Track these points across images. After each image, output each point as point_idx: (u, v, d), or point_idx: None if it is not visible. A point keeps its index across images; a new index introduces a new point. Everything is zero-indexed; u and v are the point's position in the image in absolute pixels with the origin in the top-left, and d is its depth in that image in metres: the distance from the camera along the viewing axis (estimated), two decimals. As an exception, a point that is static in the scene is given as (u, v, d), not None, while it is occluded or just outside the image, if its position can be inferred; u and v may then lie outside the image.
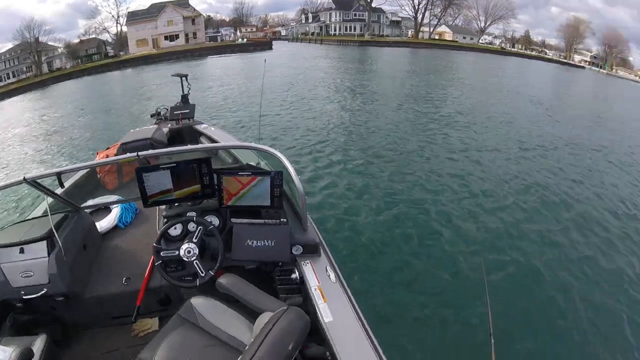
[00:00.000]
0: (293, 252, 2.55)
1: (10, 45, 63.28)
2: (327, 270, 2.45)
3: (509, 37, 75.75)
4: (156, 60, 50.85)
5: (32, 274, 2.54)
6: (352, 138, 10.46)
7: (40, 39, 63.97)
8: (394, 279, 4.76)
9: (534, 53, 68.97)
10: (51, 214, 2.66)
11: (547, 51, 71.42)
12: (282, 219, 2.65)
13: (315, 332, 2.06)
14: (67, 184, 3.77)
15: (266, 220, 2.64)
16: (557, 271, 5.30)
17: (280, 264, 2.56)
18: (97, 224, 3.35)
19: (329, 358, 1.90)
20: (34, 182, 2.44)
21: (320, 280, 2.37)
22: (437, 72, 28.39)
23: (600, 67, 61.56)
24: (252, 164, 3.49)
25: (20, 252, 2.56)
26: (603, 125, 15.15)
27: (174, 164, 2.49)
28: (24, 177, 2.35)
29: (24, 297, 2.54)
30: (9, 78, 60.23)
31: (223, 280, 2.12)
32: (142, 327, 2.86)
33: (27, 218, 3.23)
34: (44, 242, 2.57)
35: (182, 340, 2.11)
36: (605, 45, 65.23)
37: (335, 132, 10.96)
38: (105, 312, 2.89)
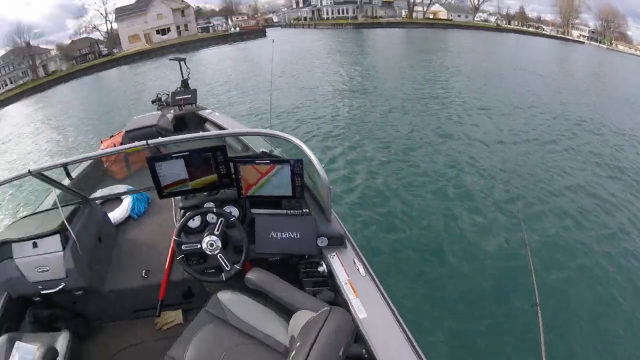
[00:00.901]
0: (318, 244, 2.42)
1: (1, 53, 63.39)
2: (355, 263, 2.32)
3: (504, 13, 75.23)
4: (151, 55, 50.74)
5: (47, 268, 2.44)
6: (366, 126, 10.04)
7: (31, 43, 64.26)
8: (425, 268, 4.57)
9: (531, 29, 68.35)
10: (61, 207, 2.54)
11: (544, 27, 70.79)
12: (304, 210, 2.54)
13: None
14: (73, 175, 3.61)
15: (288, 211, 2.53)
16: (604, 242, 5.16)
17: (306, 256, 2.45)
18: (109, 214, 3.21)
19: (366, 356, 1.78)
20: (39, 175, 2.34)
21: (349, 273, 2.25)
22: (438, 52, 27.70)
23: (600, 42, 61.10)
24: (265, 151, 3.39)
25: (34, 247, 2.46)
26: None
27: (187, 153, 2.37)
28: (29, 170, 2.25)
29: (42, 291, 2.47)
30: (6, 85, 60.85)
31: (252, 275, 2.05)
32: (165, 320, 2.80)
33: (36, 211, 3.10)
34: (57, 236, 2.46)
35: (212, 337, 2.05)
36: (602, 20, 64.72)
37: (346, 120, 10.60)
38: (126, 306, 2.82)
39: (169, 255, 2.77)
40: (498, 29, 64.63)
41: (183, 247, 2.32)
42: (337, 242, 2.45)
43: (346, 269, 2.28)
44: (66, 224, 2.46)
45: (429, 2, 71.22)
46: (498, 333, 3.70)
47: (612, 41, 62.08)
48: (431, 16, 69.83)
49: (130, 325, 2.82)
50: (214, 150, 2.39)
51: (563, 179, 6.85)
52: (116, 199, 3.50)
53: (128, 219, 3.38)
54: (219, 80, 18.80)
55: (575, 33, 65.11)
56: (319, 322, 1.55)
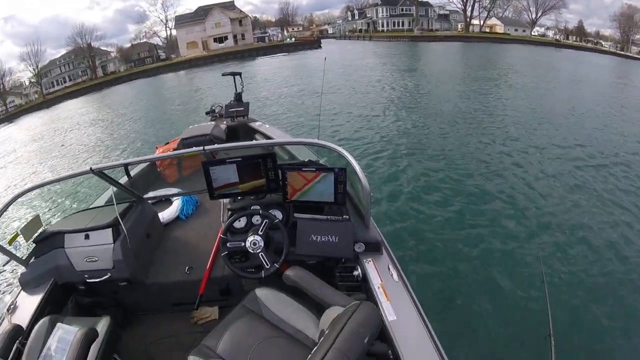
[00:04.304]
0: (355, 249, 2.51)
1: (64, 52, 67.33)
2: (389, 269, 2.39)
3: (562, 28, 71.72)
4: (207, 62, 52.47)
5: (96, 259, 2.66)
6: (412, 137, 9.93)
7: (92, 45, 67.55)
8: (454, 279, 4.57)
9: (589, 45, 64.73)
10: (116, 204, 2.75)
11: (603, 42, 66.92)
12: (344, 216, 2.63)
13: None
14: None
15: (329, 217, 2.63)
16: (629, 268, 4.88)
17: (342, 260, 2.53)
18: (159, 214, 3.44)
19: (391, 357, 1.85)
20: (100, 173, 2.51)
21: (383, 278, 2.31)
22: (496, 68, 26.51)
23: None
24: (312, 160, 3.52)
25: (85, 238, 2.69)
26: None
27: (240, 159, 2.53)
28: (91, 168, 2.41)
29: (87, 280, 2.67)
30: (65, 82, 65.15)
31: (290, 272, 2.14)
32: (202, 315, 2.93)
33: (92, 206, 3.35)
34: (110, 230, 2.68)
35: (246, 329, 2.15)
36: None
37: (393, 131, 10.52)
38: (166, 299, 2.98)
39: (212, 253, 2.97)
40: (556, 44, 61.19)
41: (228, 244, 2.46)
42: (373, 248, 2.52)
43: (380, 274, 2.34)
44: (119, 219, 2.68)
45: (485, 15, 68.97)
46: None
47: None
48: (487, 30, 67.34)
49: (167, 318, 2.98)
50: (265, 157, 2.56)
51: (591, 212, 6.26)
52: (167, 201, 3.74)
53: (176, 220, 3.59)
54: (271, 91, 19.20)
55: (634, 49, 60.47)
56: (347, 313, 1.63)
